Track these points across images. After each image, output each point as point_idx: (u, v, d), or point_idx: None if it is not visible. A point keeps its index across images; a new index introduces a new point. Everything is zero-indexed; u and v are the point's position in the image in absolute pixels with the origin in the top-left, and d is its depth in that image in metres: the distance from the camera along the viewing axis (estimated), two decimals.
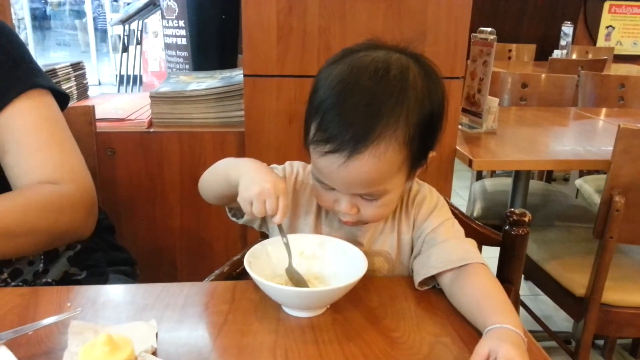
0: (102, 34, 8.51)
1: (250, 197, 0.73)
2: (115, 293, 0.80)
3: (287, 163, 0.90)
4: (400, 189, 0.79)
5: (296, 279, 0.77)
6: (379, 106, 0.71)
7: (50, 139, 0.93)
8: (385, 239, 0.86)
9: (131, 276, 1.15)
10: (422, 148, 0.77)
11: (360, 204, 0.77)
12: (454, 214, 0.98)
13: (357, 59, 0.74)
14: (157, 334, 0.66)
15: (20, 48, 0.96)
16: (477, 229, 1.00)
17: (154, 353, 0.63)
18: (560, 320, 2.16)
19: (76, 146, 0.97)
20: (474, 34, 1.76)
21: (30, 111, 0.92)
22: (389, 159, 0.72)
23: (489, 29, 1.73)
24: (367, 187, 0.75)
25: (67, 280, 1.00)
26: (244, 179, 0.75)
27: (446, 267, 0.77)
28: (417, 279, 0.80)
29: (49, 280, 0.97)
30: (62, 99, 1.00)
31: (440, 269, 0.78)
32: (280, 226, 0.77)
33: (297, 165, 0.90)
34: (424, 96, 0.74)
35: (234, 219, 0.89)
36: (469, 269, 0.76)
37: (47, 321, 0.65)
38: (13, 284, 0.94)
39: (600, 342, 1.99)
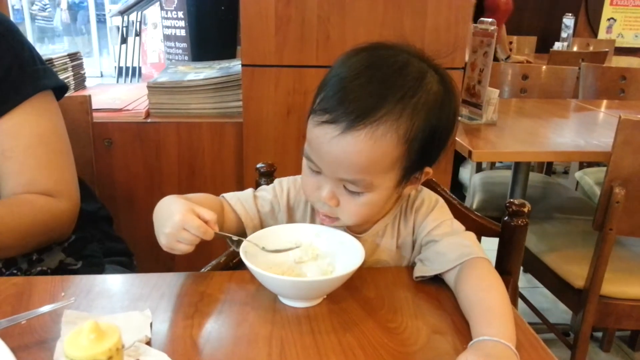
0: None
1: (166, 247, 0.71)
2: (110, 283, 0.79)
3: (276, 181, 0.88)
4: (385, 192, 0.75)
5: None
6: (389, 90, 0.69)
7: (53, 153, 0.96)
8: (383, 248, 0.85)
9: (128, 267, 1.14)
10: (420, 156, 0.74)
11: (341, 196, 0.75)
12: (452, 205, 0.97)
13: (380, 52, 0.74)
14: (151, 324, 0.65)
15: (25, 48, 0.95)
16: (475, 220, 1.00)
17: (148, 343, 0.62)
18: (558, 312, 2.15)
19: (72, 155, 1.01)
20: (474, 24, 1.75)
21: (37, 120, 0.94)
22: (384, 147, 0.70)
23: (490, 20, 1.72)
24: (353, 172, 0.71)
25: (62, 269, 0.99)
26: (155, 233, 0.73)
27: (445, 268, 0.76)
28: (417, 273, 0.79)
29: (44, 268, 0.97)
30: (61, 90, 1.01)
31: (439, 271, 0.77)
32: (219, 235, 0.74)
33: (286, 182, 0.87)
34: (436, 105, 0.72)
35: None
36: (467, 266, 0.74)
37: (40, 310, 0.64)
38: (7, 273, 0.93)
39: (599, 334, 1.99)
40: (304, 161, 0.77)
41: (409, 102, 0.70)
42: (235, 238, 0.77)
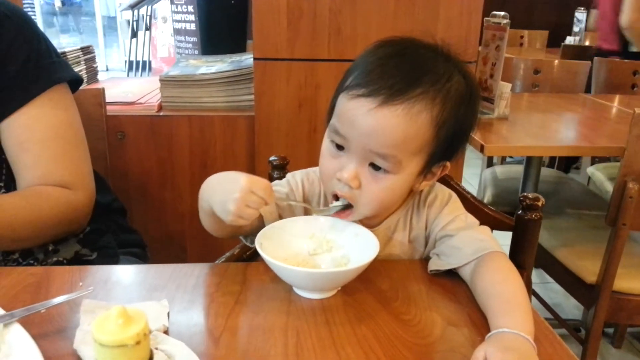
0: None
1: (234, 214, 0.68)
2: (126, 273, 0.80)
3: (289, 175, 0.88)
4: (408, 179, 0.76)
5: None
6: (424, 74, 0.71)
7: (69, 145, 0.96)
8: (395, 242, 0.85)
9: (142, 258, 1.15)
10: (445, 146, 0.75)
11: (364, 177, 0.74)
12: (465, 198, 0.97)
13: (410, 44, 0.76)
14: (168, 313, 0.66)
15: (41, 40, 0.96)
16: (489, 214, 0.99)
17: (166, 332, 0.63)
18: (570, 308, 2.15)
19: (87, 148, 1.01)
20: (486, 18, 1.74)
21: (53, 113, 0.95)
22: (418, 125, 0.71)
23: (502, 13, 1.70)
24: (386, 146, 0.71)
25: (78, 260, 1.00)
26: (216, 207, 0.71)
27: (461, 262, 0.76)
28: (432, 267, 0.79)
29: (60, 259, 0.98)
30: (76, 82, 1.02)
31: (456, 265, 0.77)
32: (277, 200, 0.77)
33: (299, 175, 0.87)
34: (464, 99, 0.74)
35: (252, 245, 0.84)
36: (484, 260, 0.74)
37: (59, 299, 0.65)
38: (24, 263, 0.94)
39: (610, 330, 1.98)
40: (326, 143, 0.78)
41: (442, 87, 0.72)
42: (293, 203, 0.81)
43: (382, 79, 0.70)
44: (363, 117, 0.70)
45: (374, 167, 0.74)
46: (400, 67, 0.72)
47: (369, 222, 0.83)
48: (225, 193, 0.70)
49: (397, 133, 0.70)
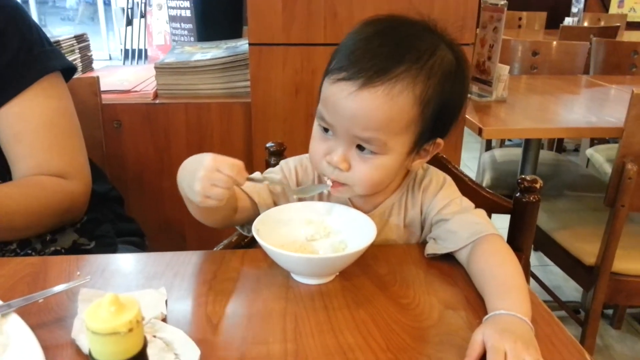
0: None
1: (200, 194, 0.67)
2: (124, 262, 0.80)
3: (282, 162, 0.88)
4: (398, 158, 0.75)
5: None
6: (405, 52, 0.70)
7: (63, 135, 0.96)
8: (391, 226, 0.85)
9: (140, 247, 1.15)
10: (433, 123, 0.74)
11: (353, 159, 0.74)
12: (463, 182, 0.97)
13: (395, 21, 0.75)
14: (166, 301, 0.66)
15: (33, 29, 0.95)
16: (487, 197, 0.99)
17: (164, 320, 0.63)
18: (569, 290, 2.16)
19: (82, 137, 1.01)
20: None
21: (46, 103, 0.94)
22: (400, 105, 0.70)
23: None
24: (369, 129, 0.71)
25: (76, 249, 1.00)
26: (186, 190, 0.70)
27: (458, 246, 0.76)
28: (429, 251, 0.79)
29: (58, 248, 0.98)
30: (69, 71, 1.01)
31: (452, 249, 0.77)
32: (251, 180, 0.74)
33: (292, 162, 0.87)
34: (450, 73, 0.73)
35: (248, 234, 0.84)
36: (480, 243, 0.74)
37: (57, 289, 0.65)
38: (22, 253, 0.94)
39: (609, 311, 1.99)
40: (315, 126, 0.78)
41: (424, 64, 0.71)
42: (266, 182, 0.80)
43: (362, 60, 0.70)
44: (344, 101, 0.70)
45: (361, 148, 0.73)
46: (383, 46, 0.71)
47: (364, 207, 0.83)
48: (191, 173, 0.68)
49: (378, 115, 0.70)
